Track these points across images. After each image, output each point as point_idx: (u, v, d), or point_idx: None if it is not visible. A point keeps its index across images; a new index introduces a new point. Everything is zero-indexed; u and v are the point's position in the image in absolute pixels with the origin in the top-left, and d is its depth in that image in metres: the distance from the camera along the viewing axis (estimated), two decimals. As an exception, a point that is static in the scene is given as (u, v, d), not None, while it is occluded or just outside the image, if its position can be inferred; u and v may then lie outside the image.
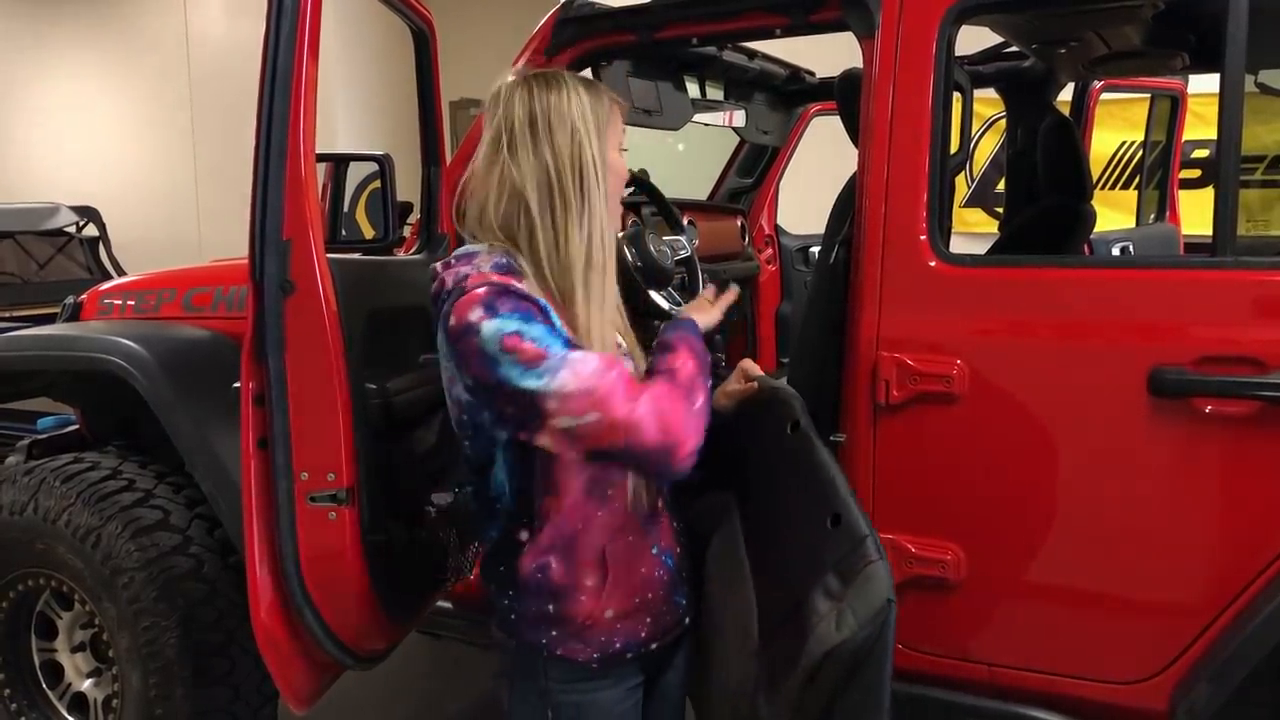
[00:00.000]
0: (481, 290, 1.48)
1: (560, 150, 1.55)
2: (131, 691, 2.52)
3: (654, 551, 1.64)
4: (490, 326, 1.45)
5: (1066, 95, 3.54)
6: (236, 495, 2.09)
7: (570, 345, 1.49)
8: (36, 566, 2.65)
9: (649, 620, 1.62)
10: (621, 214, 1.75)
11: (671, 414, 1.47)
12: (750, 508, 1.72)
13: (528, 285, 1.52)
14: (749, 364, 1.83)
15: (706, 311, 1.80)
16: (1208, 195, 1.86)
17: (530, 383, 1.43)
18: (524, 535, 1.60)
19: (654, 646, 1.64)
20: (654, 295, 2.44)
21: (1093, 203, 2.98)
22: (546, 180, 1.55)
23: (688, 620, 1.72)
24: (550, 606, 1.58)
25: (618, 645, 1.59)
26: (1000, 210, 3.72)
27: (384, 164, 2.62)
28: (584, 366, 1.45)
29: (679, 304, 2.77)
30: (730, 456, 1.75)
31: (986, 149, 6.63)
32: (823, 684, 1.35)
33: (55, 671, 2.83)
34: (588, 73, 2.51)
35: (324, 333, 1.95)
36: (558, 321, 1.51)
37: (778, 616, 1.49)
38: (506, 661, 1.67)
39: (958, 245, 2.06)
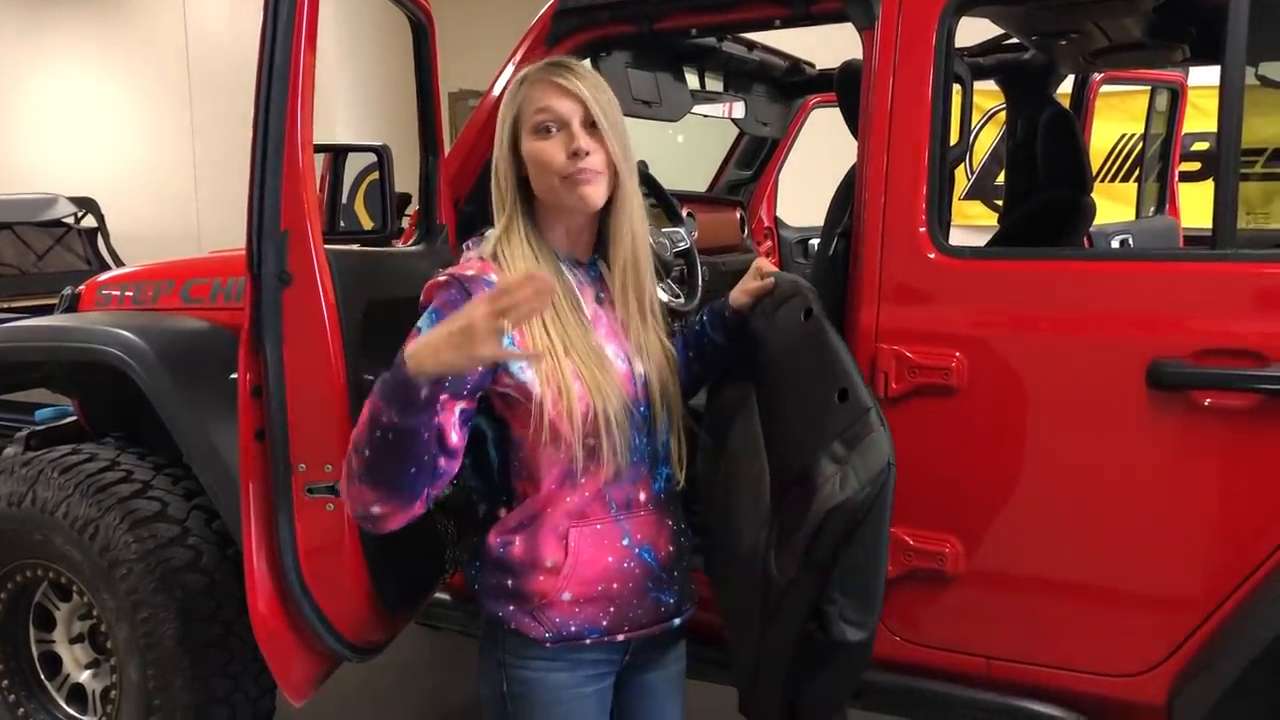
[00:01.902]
0: (443, 279, 1.56)
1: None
2: (130, 683, 2.53)
3: (625, 543, 1.64)
4: (422, 316, 1.53)
5: (1066, 87, 3.53)
6: (234, 487, 2.09)
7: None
8: (34, 558, 2.65)
9: (612, 610, 1.62)
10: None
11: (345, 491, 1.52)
12: (765, 389, 1.78)
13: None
14: (763, 262, 1.89)
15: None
16: (1208, 188, 1.86)
17: None
18: (503, 512, 1.66)
19: (620, 638, 1.65)
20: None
21: (1092, 195, 2.98)
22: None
23: (677, 621, 1.72)
24: (509, 581, 1.62)
25: (573, 629, 1.61)
26: (1000, 202, 3.72)
27: (382, 155, 2.61)
28: None
29: (678, 296, 2.77)
30: (749, 348, 1.84)
31: (986, 141, 6.63)
32: (826, 538, 1.44)
33: (53, 663, 2.83)
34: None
35: (322, 324, 1.95)
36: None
37: (788, 482, 1.57)
38: (480, 634, 1.72)
39: (957, 237, 2.05)
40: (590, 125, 1.58)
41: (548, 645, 1.61)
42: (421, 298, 1.58)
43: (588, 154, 1.56)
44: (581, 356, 1.57)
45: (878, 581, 1.48)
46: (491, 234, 1.65)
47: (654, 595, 1.67)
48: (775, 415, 1.72)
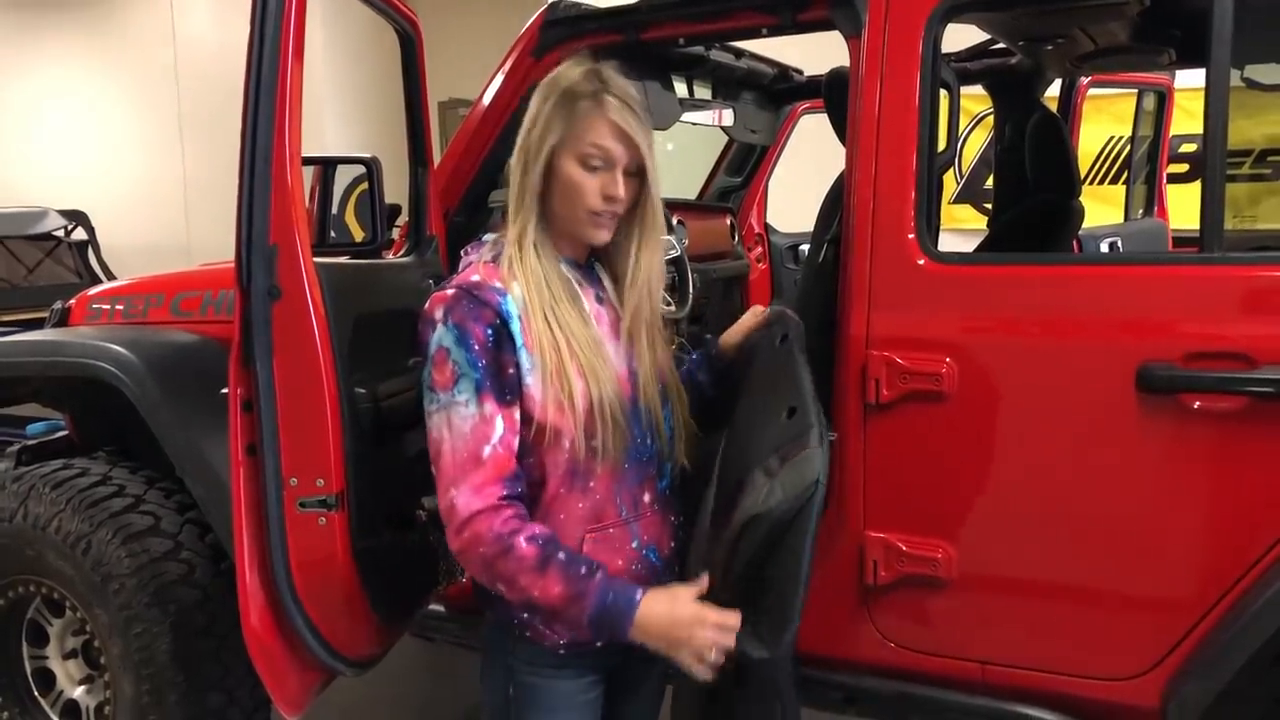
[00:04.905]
0: (451, 292, 1.56)
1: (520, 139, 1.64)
2: (124, 698, 2.52)
3: (634, 545, 1.65)
4: (438, 332, 1.54)
5: (1054, 91, 3.54)
6: (227, 501, 2.09)
7: (491, 378, 1.52)
8: (27, 573, 2.64)
9: None
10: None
11: (501, 566, 1.51)
12: (736, 418, 1.78)
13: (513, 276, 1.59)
14: (759, 309, 1.92)
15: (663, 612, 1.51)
16: (1195, 190, 1.86)
17: (429, 401, 1.55)
18: None
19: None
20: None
21: (1081, 198, 2.99)
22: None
23: None
24: None
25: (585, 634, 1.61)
26: (989, 206, 3.74)
27: (371, 166, 2.61)
28: (460, 422, 1.52)
29: (669, 304, 2.77)
30: (731, 391, 1.85)
31: (975, 145, 6.64)
32: (743, 550, 1.44)
33: (47, 679, 2.82)
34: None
35: (312, 337, 1.94)
36: (517, 331, 1.55)
37: (727, 498, 1.57)
38: (486, 632, 1.73)
39: (947, 242, 2.06)
40: (631, 172, 1.62)
41: (561, 652, 1.63)
42: (426, 311, 1.57)
43: (620, 200, 1.61)
44: (582, 347, 1.59)
45: (795, 602, 1.45)
46: (499, 240, 1.65)
47: None
48: (731, 435, 1.72)
